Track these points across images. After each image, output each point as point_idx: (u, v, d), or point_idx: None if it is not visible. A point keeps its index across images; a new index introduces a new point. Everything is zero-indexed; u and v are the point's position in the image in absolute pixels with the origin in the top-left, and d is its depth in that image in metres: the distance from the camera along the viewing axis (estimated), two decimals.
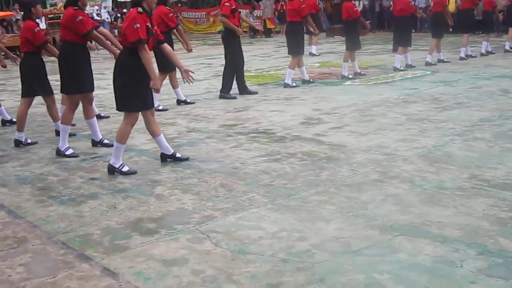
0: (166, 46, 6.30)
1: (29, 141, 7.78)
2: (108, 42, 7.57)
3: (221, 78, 10.67)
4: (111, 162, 6.15)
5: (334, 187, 5.33)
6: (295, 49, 11.35)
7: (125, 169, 6.12)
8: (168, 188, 5.57)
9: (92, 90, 7.29)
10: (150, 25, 5.96)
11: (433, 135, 7.04)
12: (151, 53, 6.08)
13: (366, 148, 6.59)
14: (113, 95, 6.26)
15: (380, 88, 10.72)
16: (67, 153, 6.97)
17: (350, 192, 5.16)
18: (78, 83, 7.00)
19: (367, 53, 16.42)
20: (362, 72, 12.43)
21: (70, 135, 7.36)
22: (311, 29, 12.18)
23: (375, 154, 6.35)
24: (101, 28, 7.93)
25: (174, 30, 9.78)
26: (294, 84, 11.26)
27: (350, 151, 6.52)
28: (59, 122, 7.43)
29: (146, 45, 5.87)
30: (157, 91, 6.33)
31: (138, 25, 5.82)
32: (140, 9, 5.91)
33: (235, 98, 10.33)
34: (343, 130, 7.53)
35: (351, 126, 7.76)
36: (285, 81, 11.35)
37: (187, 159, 6.46)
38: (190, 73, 6.18)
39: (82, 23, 6.88)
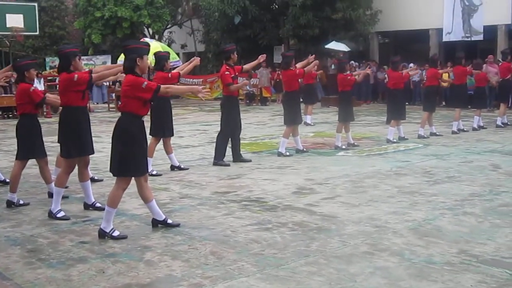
0: (170, 86, 6.36)
1: (21, 202, 7.78)
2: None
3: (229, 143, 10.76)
4: (101, 226, 6.15)
5: (323, 258, 5.34)
6: (292, 118, 11.50)
7: (116, 233, 6.12)
8: (158, 254, 5.57)
9: (92, 153, 7.36)
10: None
11: (424, 209, 7.08)
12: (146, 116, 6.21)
13: (357, 220, 6.62)
14: (107, 159, 6.33)
15: (373, 159, 10.82)
16: (58, 215, 6.98)
17: (339, 264, 5.17)
18: (79, 146, 7.07)
19: (361, 124, 16.61)
20: (356, 143, 12.55)
21: (63, 197, 7.37)
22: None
23: (366, 226, 6.38)
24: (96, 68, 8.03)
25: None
26: (288, 153, 11.36)
27: (341, 222, 6.55)
28: (52, 184, 7.46)
29: (158, 89, 6.04)
30: (198, 91, 6.39)
31: (145, 83, 5.99)
32: (136, 75, 6.05)
33: (228, 165, 10.40)
34: (335, 201, 7.58)
35: (343, 197, 7.81)
36: (279, 150, 11.46)
37: (178, 225, 6.48)
38: (202, 90, 6.36)
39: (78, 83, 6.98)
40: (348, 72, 12.67)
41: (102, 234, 6.12)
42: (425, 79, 17.15)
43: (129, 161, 6.06)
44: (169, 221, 6.48)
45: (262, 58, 10.87)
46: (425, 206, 7.23)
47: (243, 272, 5.03)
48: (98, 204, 7.38)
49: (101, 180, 9.06)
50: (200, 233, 6.24)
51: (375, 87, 25.86)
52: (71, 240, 6.14)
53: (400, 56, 14.61)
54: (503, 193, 7.85)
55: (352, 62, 24.52)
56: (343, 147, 12.22)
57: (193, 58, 10.22)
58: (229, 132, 10.62)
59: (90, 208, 7.38)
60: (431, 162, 10.32)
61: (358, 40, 26.69)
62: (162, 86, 6.21)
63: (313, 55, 12.34)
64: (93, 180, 8.61)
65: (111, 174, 6.34)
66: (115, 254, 5.63)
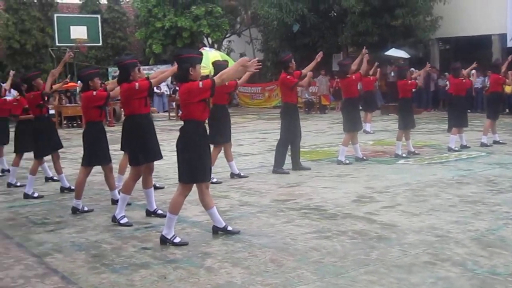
0: (223, 74, 6.39)
1: (85, 208, 7.99)
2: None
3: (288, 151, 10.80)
4: (163, 233, 6.26)
5: (384, 267, 5.30)
6: (351, 125, 11.46)
7: (177, 240, 6.22)
8: (218, 261, 5.63)
9: (160, 157, 7.51)
10: None
11: (487, 218, 6.94)
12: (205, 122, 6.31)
13: (418, 229, 6.54)
14: (168, 166, 6.44)
15: (434, 168, 10.65)
16: (122, 221, 7.13)
17: (400, 273, 5.12)
18: (146, 153, 7.23)
19: (422, 132, 16.38)
20: (416, 151, 12.39)
21: (126, 204, 7.54)
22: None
23: (427, 235, 6.30)
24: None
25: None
26: (347, 162, 11.31)
27: (402, 231, 6.48)
28: (116, 191, 7.63)
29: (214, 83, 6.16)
30: (248, 64, 6.43)
31: (201, 83, 6.09)
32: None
33: (288, 173, 10.43)
34: (395, 210, 7.50)
35: (403, 205, 7.72)
36: (339, 158, 11.42)
37: (238, 232, 6.53)
38: (250, 63, 6.40)
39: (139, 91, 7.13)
40: (411, 81, 12.53)
41: (164, 241, 6.23)
42: (487, 85, 16.80)
43: (195, 168, 6.15)
44: (229, 228, 6.54)
45: (319, 56, 10.85)
46: (488, 216, 7.08)
47: (302, 280, 5.04)
48: (159, 211, 7.51)
49: (163, 188, 9.20)
50: (260, 240, 6.28)
51: (435, 94, 25.46)
52: (134, 246, 6.28)
53: (461, 62, 14.33)
54: None
55: (412, 69, 24.20)
56: (404, 155, 12.08)
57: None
58: (289, 140, 10.65)
59: (152, 215, 7.52)
60: (495, 171, 10.09)
61: (418, 47, 26.31)
62: (215, 77, 6.27)
63: (364, 48, 12.32)
64: (154, 187, 8.76)
65: (172, 182, 6.45)
66: (177, 260, 5.72)
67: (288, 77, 10.41)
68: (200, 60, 6.33)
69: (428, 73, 22.14)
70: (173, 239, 6.21)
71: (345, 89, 11.76)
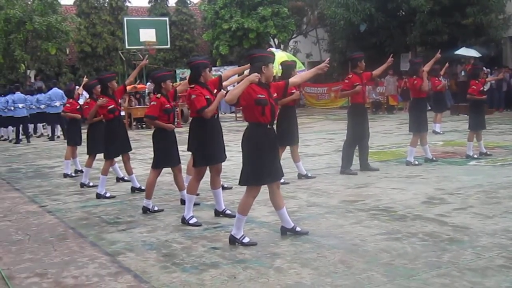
0: (296, 76, 6.46)
1: (156, 208, 8.12)
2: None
3: (356, 152, 10.73)
4: (232, 233, 6.30)
5: (456, 270, 5.18)
6: (416, 126, 11.26)
7: (246, 240, 6.24)
8: (287, 262, 5.63)
9: (222, 160, 7.53)
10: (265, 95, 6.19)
11: None
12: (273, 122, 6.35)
13: (491, 232, 6.36)
14: (236, 167, 6.48)
15: (508, 169, 10.35)
16: (191, 221, 7.22)
17: (473, 277, 5.00)
18: (206, 156, 7.28)
19: (494, 133, 15.96)
20: (488, 152, 12.07)
21: (195, 204, 7.63)
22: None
23: (501, 238, 6.12)
24: None
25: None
26: (416, 162, 11.12)
27: (474, 233, 6.33)
28: (185, 191, 7.73)
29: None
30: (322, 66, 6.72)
31: (261, 95, 6.12)
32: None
33: (356, 174, 10.34)
34: (467, 212, 7.33)
35: (475, 207, 7.54)
36: (407, 159, 11.24)
37: (306, 233, 6.51)
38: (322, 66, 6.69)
39: (194, 102, 7.18)
40: (481, 79, 12.20)
41: (233, 241, 6.26)
42: None
43: (252, 170, 6.15)
44: (298, 228, 6.53)
45: (390, 61, 10.73)
46: None
47: (373, 281, 4.98)
48: (228, 211, 7.56)
49: (231, 188, 9.27)
50: (328, 241, 6.24)
51: (508, 94, 24.75)
52: (203, 245, 6.34)
53: None
54: None
55: (484, 68, 23.64)
56: (475, 156, 11.80)
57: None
58: (356, 140, 10.56)
59: (221, 215, 7.58)
60: None
61: (489, 46, 25.66)
62: (292, 79, 6.34)
63: (439, 51, 12.08)
64: (223, 187, 8.83)
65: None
66: (246, 260, 5.75)
67: (346, 81, 10.38)
68: (272, 60, 6.33)
69: (500, 72, 21.61)
70: (242, 239, 6.24)
71: (413, 89, 11.56)
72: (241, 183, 6.29)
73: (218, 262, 5.73)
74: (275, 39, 33.64)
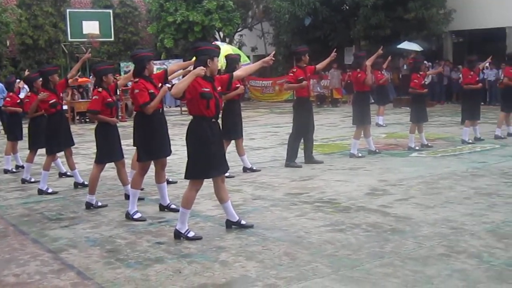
0: (240, 70, 6.44)
1: (99, 203, 8.01)
2: None
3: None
4: (177, 227, 6.27)
5: (399, 259, 5.28)
6: (360, 119, 11.41)
7: (191, 234, 6.22)
8: (232, 255, 5.63)
9: (167, 155, 7.48)
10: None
11: (502, 210, 6.90)
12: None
13: (432, 221, 6.51)
14: (181, 161, 6.45)
15: (448, 160, 10.60)
16: (135, 217, 7.15)
17: (415, 266, 5.10)
18: (150, 150, 7.21)
19: (435, 125, 16.30)
20: (429, 144, 12.32)
21: (139, 199, 7.56)
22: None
23: (442, 227, 6.27)
24: None
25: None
26: (360, 155, 11.28)
27: (416, 223, 6.46)
28: (129, 186, 7.65)
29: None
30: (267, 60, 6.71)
31: (206, 89, 6.10)
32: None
33: (300, 167, 10.41)
34: (409, 202, 7.47)
35: (417, 198, 7.69)
36: (351, 151, 11.38)
37: (251, 226, 6.53)
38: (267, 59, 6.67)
39: (137, 96, 7.11)
40: (422, 72, 12.45)
41: (178, 235, 6.23)
42: (501, 78, 16.65)
43: (196, 163, 6.14)
44: (243, 222, 6.54)
45: (334, 55, 10.83)
46: (504, 208, 7.03)
47: (317, 273, 5.03)
48: (173, 206, 7.52)
49: (175, 182, 9.21)
50: (273, 234, 6.27)
51: (449, 87, 25.32)
52: (148, 240, 6.29)
53: (476, 55, 14.19)
54: None
55: (425, 62, 24.09)
56: (417, 148, 12.02)
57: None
58: (301, 133, 10.62)
59: (166, 210, 7.53)
60: (509, 163, 10.02)
61: (431, 40, 26.17)
62: (237, 72, 6.33)
63: (381, 47, 12.24)
64: (168, 182, 8.77)
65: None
66: (191, 254, 5.73)
67: (290, 74, 10.45)
68: (218, 54, 6.34)
69: (440, 66, 22.08)
70: (187, 234, 6.22)
71: (356, 83, 11.69)
72: (186, 176, 6.26)
73: (163, 257, 5.69)
74: (220, 33, 33.50)
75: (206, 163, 6.13)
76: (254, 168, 10.25)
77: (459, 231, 6.10)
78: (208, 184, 6.43)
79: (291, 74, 10.45)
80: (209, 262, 5.46)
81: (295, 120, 10.67)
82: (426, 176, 9.15)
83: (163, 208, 7.58)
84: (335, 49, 11.18)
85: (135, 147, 7.50)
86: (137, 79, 7.16)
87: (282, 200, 7.89)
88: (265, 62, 6.80)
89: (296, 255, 5.53)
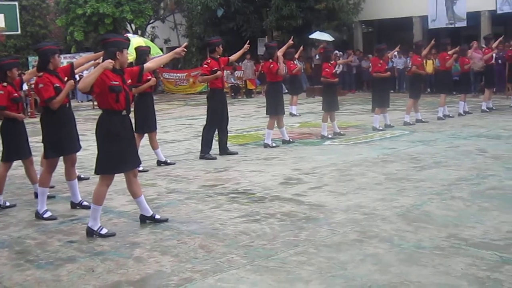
0: (151, 62, 6.32)
1: (7, 204, 7.71)
2: None
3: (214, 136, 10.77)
4: (89, 225, 6.11)
5: (313, 247, 5.34)
6: (273, 109, 11.47)
7: (104, 231, 6.08)
8: (147, 250, 5.54)
9: (76, 151, 7.31)
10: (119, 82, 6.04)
11: (412, 194, 7.10)
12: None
13: (345, 208, 6.62)
14: (93, 157, 6.29)
15: (359, 148, 10.83)
16: (45, 216, 6.92)
17: (329, 252, 5.17)
18: (57, 146, 7.00)
19: (347, 113, 16.62)
20: (342, 132, 12.55)
21: (49, 197, 7.35)
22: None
23: (354, 213, 6.38)
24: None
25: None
26: (274, 144, 11.35)
27: (330, 211, 6.55)
28: (38, 184, 7.41)
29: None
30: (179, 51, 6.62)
31: (115, 82, 5.97)
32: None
33: (215, 158, 10.38)
34: (323, 190, 7.57)
35: (330, 186, 7.81)
36: (265, 142, 11.44)
37: (166, 220, 6.45)
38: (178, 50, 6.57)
39: (41, 91, 6.91)
40: (333, 62, 12.66)
41: (90, 233, 6.08)
42: (409, 66, 17.14)
43: (106, 158, 6.02)
44: (157, 216, 6.45)
45: (247, 46, 10.84)
46: (413, 192, 7.24)
47: (233, 264, 5.02)
48: (85, 203, 7.33)
49: (88, 178, 8.99)
50: (188, 227, 6.22)
51: (359, 76, 25.88)
52: (59, 240, 6.10)
53: (385, 44, 14.56)
54: (490, 177, 7.88)
55: (336, 51, 24.52)
56: (329, 136, 12.22)
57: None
58: (215, 125, 10.59)
59: (77, 207, 7.34)
60: (418, 148, 10.34)
61: (341, 30, 26.67)
62: (145, 65, 6.20)
63: (291, 38, 12.36)
64: (79, 178, 8.55)
65: None
66: (104, 252, 5.60)
67: (204, 66, 10.41)
68: (127, 45, 6.23)
69: (349, 55, 22.53)
70: (100, 231, 6.07)
71: (269, 73, 11.74)
72: (96, 172, 6.13)
73: (75, 256, 5.53)
74: (132, 25, 32.96)
75: (116, 157, 6.01)
76: (169, 161, 10.15)
77: (371, 217, 6.23)
78: (121, 179, 6.31)
79: (206, 66, 10.39)
80: (123, 258, 5.35)
81: (209, 111, 10.62)
82: (339, 163, 9.30)
83: (74, 205, 7.38)
84: (248, 41, 11.17)
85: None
86: (41, 73, 6.93)
87: (197, 193, 7.84)
88: (177, 53, 6.72)
89: (211, 248, 5.50)
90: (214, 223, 6.30)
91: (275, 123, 11.51)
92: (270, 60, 11.47)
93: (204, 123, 10.81)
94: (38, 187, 7.19)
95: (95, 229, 6.07)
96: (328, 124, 12.38)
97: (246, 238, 5.72)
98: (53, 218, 6.90)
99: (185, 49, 6.81)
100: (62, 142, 7.03)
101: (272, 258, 5.11)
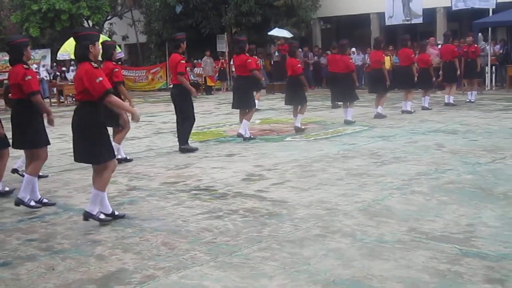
0: (113, 97, 6.25)
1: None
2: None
3: (175, 132, 10.84)
4: (87, 209, 6.17)
5: (276, 243, 5.34)
6: (253, 101, 11.72)
7: (102, 216, 6.17)
8: (108, 248, 5.47)
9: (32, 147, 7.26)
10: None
11: (373, 189, 7.16)
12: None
13: (307, 204, 6.64)
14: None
15: (320, 143, 10.88)
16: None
17: (292, 248, 5.18)
18: (45, 135, 7.19)
19: (307, 110, 16.66)
20: (303, 127, 12.61)
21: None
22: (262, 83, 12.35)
23: (317, 209, 6.41)
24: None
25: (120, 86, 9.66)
26: (250, 136, 11.48)
27: (292, 206, 6.57)
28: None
29: (108, 92, 5.99)
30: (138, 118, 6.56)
31: (100, 78, 5.93)
32: (94, 64, 6.00)
33: (197, 149, 10.53)
34: (285, 186, 7.59)
35: (292, 181, 7.83)
36: (239, 131, 11.55)
37: (123, 216, 6.39)
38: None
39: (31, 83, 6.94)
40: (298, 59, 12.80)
41: (89, 216, 6.16)
42: (368, 63, 17.32)
43: (104, 145, 6.12)
44: (116, 213, 6.41)
45: None
46: (374, 187, 7.31)
47: (196, 261, 4.99)
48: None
49: (47, 176, 8.81)
50: (150, 224, 6.16)
51: (318, 72, 26.01)
52: (18, 238, 5.98)
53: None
54: (448, 171, 8.00)
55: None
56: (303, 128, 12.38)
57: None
58: (194, 117, 10.73)
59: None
60: (378, 144, 10.44)
61: (300, 26, 26.77)
62: (111, 94, 6.07)
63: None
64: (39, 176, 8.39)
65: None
66: (64, 250, 5.51)
67: (182, 62, 10.37)
68: (98, 38, 6.26)
69: (306, 53, 22.68)
70: (99, 216, 6.16)
71: (240, 67, 11.71)
72: (99, 161, 6.16)
73: (35, 255, 5.42)
74: (89, 21, 32.54)
75: (110, 142, 6.27)
76: (128, 157, 10.05)
77: (333, 212, 6.27)
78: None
79: (183, 62, 10.37)
80: (84, 256, 5.27)
81: (185, 107, 10.58)
82: (300, 159, 9.34)
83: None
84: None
85: None
86: (27, 66, 7.06)
87: (158, 190, 7.77)
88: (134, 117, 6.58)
89: (174, 245, 5.46)
90: (177, 220, 6.26)
91: (239, 117, 11.61)
92: (248, 55, 11.59)
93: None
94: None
95: (94, 213, 6.14)
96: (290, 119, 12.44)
97: (209, 235, 5.70)
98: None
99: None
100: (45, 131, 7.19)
101: (236, 254, 5.10)
